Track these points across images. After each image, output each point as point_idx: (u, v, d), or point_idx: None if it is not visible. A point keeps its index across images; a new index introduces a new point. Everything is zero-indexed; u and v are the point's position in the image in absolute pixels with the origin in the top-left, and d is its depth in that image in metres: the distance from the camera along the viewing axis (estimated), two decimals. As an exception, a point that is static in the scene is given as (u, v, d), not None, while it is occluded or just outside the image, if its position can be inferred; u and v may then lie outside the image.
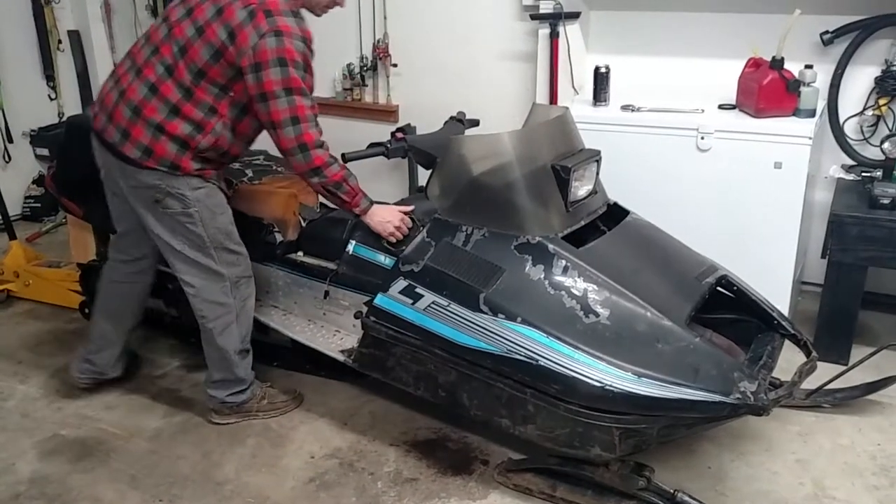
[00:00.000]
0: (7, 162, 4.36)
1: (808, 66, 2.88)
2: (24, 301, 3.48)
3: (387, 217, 2.35)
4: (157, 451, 2.46)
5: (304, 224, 2.74)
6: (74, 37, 4.53)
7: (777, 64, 2.86)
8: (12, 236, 3.60)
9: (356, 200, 2.33)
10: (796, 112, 2.86)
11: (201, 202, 2.32)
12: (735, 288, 2.29)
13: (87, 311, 3.27)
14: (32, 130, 4.40)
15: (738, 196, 2.86)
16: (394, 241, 2.36)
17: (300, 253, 2.71)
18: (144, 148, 2.24)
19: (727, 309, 2.32)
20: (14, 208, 4.23)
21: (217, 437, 2.51)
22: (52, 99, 4.55)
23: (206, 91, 2.21)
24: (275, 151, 3.09)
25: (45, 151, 4.31)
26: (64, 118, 4.46)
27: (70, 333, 3.22)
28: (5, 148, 4.35)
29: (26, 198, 4.52)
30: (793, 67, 2.88)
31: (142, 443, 2.50)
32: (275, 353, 2.85)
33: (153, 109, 2.23)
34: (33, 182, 4.52)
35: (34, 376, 2.90)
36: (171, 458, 2.42)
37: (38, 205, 4.49)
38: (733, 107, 3.04)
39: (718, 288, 2.27)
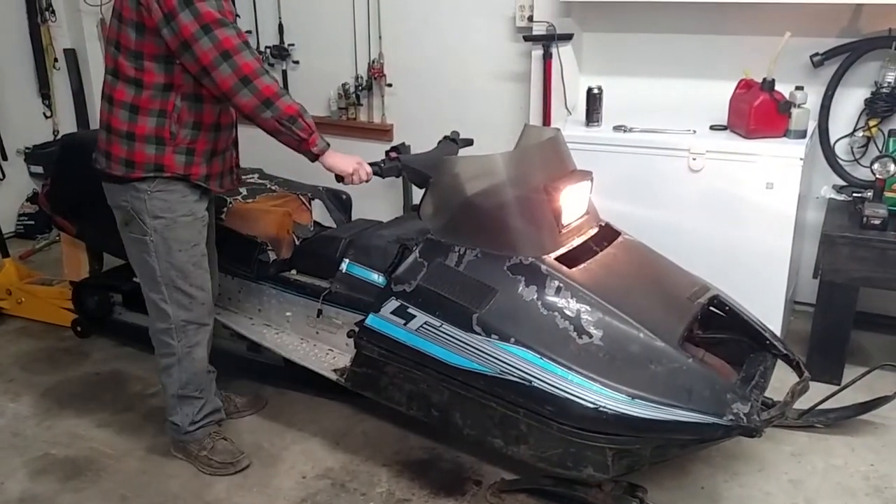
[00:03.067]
0: (1, 179, 4.36)
1: (799, 88, 2.91)
2: (17, 319, 3.46)
3: (346, 159, 2.22)
4: (147, 470, 2.44)
5: (297, 242, 2.75)
6: (70, 55, 4.54)
7: (768, 85, 2.89)
8: (5, 254, 3.59)
9: (313, 138, 2.12)
10: (787, 133, 2.89)
11: (159, 233, 2.21)
12: (727, 308, 2.30)
13: (79, 328, 3.27)
14: (27, 148, 4.44)
15: (729, 216, 2.88)
16: (356, 181, 2.24)
17: (294, 271, 2.71)
18: (125, 161, 2.17)
19: (719, 329, 2.33)
20: (7, 226, 4.23)
21: (209, 457, 2.50)
22: (47, 117, 4.55)
23: (153, 70, 2.09)
24: (270, 169, 3.16)
25: (39, 169, 4.34)
26: (59, 136, 4.47)
27: (62, 352, 3.20)
28: (0, 165, 4.34)
29: (20, 215, 4.50)
30: (784, 89, 2.91)
31: (132, 462, 2.48)
32: (267, 372, 2.84)
33: (117, 120, 2.15)
34: (27, 199, 4.52)
35: (25, 394, 2.88)
36: (162, 477, 2.40)
37: (32, 222, 4.47)
38: (725, 128, 3.07)
39: (711, 308, 2.28)
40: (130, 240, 2.27)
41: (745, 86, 3.02)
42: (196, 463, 2.44)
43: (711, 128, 3.08)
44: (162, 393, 2.48)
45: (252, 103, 2.04)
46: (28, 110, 4.48)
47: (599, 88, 3.12)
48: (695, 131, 3.01)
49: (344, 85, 3.93)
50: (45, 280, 3.54)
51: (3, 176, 4.37)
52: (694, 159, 2.89)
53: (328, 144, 2.19)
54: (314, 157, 2.18)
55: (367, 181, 2.28)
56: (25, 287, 3.46)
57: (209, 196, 2.34)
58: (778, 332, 2.65)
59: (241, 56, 2.01)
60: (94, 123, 4.47)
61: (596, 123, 3.14)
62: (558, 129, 2.49)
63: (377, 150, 2.80)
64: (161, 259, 2.24)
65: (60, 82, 4.57)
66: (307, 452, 2.52)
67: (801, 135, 2.88)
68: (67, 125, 4.59)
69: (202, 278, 2.32)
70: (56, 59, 4.50)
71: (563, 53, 3.27)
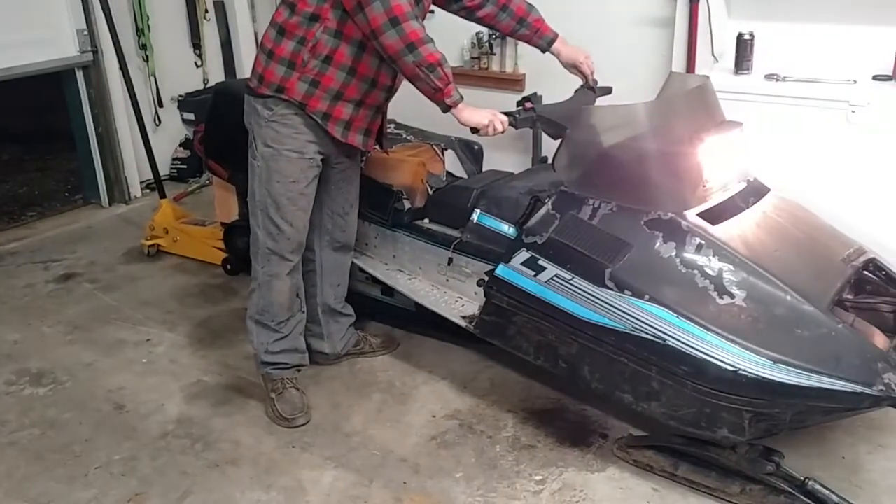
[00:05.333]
0: (157, 125, 4.64)
1: (981, 33, 2.62)
2: (172, 256, 3.74)
3: (480, 112, 2.21)
4: (290, 401, 2.61)
5: (431, 192, 2.80)
6: (219, 7, 4.76)
7: (945, 30, 2.62)
8: (162, 195, 3.86)
9: (449, 90, 2.15)
10: (963, 83, 2.62)
11: (265, 160, 2.32)
12: (884, 272, 2.16)
13: (229, 266, 3.49)
14: (180, 96, 4.73)
15: (891, 174, 2.66)
16: (491, 133, 2.23)
17: (426, 220, 2.77)
18: (259, 75, 2.28)
19: (874, 294, 2.18)
20: (162, 169, 4.50)
21: (346, 391, 2.65)
22: (197, 66, 4.81)
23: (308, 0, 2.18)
24: (403, 118, 3.22)
25: (191, 116, 4.62)
26: (209, 84, 4.73)
27: (214, 287, 3.44)
28: (156, 112, 4.64)
29: (174, 159, 4.80)
30: (962, 34, 2.62)
31: (276, 393, 2.65)
32: (399, 315, 2.93)
33: (267, 38, 2.28)
34: (180, 144, 4.80)
35: (181, 325, 3.13)
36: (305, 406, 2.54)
37: (185, 166, 4.76)
38: (890, 78, 2.81)
39: (865, 272, 2.14)
40: (249, 161, 2.40)
41: (917, 31, 2.74)
42: (265, 403, 2.55)
43: (874, 78, 2.83)
44: None
45: (397, 45, 2.07)
46: (181, 60, 4.75)
47: (751, 34, 2.93)
48: (855, 81, 2.78)
49: (477, 34, 3.89)
50: (197, 221, 3.78)
51: (160, 122, 4.66)
52: (853, 112, 2.68)
53: (462, 98, 2.19)
54: (446, 108, 2.20)
55: (502, 132, 2.28)
56: (180, 226, 3.72)
57: (337, 145, 2.36)
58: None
59: (408, 24, 2.05)
60: (241, 72, 4.70)
61: (746, 71, 2.95)
62: (707, 77, 2.37)
63: (508, 101, 2.77)
64: (261, 185, 2.35)
65: (210, 33, 4.81)
66: (436, 393, 2.61)
67: (980, 85, 2.60)
68: (216, 74, 4.84)
69: (294, 215, 2.37)
70: (206, 11, 4.73)
71: (712, -4, 3.08)
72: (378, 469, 2.28)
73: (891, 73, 2.82)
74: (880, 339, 2.05)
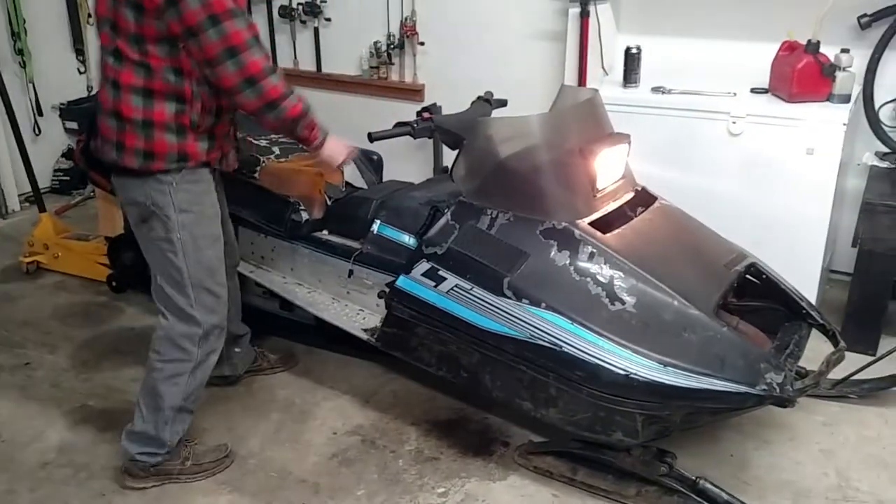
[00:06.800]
0: (37, 135, 4.40)
1: (845, 51, 2.81)
2: (53, 273, 3.54)
3: (338, 149, 2.19)
4: (182, 424, 2.49)
5: (329, 203, 2.76)
6: (103, 10, 4.54)
7: (812, 47, 2.81)
8: (42, 209, 3.64)
9: (314, 135, 2.07)
10: (830, 97, 2.81)
11: (186, 229, 2.04)
12: (763, 276, 2.27)
13: (114, 283, 3.33)
14: (62, 104, 4.47)
15: (768, 182, 2.82)
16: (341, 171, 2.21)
17: (325, 231, 2.72)
18: (144, 153, 1.97)
19: (755, 297, 2.30)
20: (43, 181, 4.26)
21: (242, 412, 2.55)
22: (80, 73, 4.57)
23: (158, 55, 1.90)
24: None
25: (73, 125, 4.38)
26: (93, 92, 4.50)
27: (98, 306, 3.27)
28: (35, 121, 4.38)
29: (55, 171, 4.56)
30: (829, 52, 2.82)
31: (168, 416, 2.53)
32: (299, 330, 2.87)
33: (128, 107, 1.94)
34: (62, 155, 4.56)
35: (63, 347, 2.96)
36: (198, 430, 2.44)
37: (67, 178, 4.53)
38: (766, 91, 2.99)
39: (747, 276, 2.25)
40: (150, 239, 2.09)
41: (789, 48, 2.93)
42: (181, 478, 2.23)
43: (752, 91, 3.00)
44: (145, 409, 2.17)
45: (255, 105, 1.94)
46: (63, 66, 4.50)
47: (638, 48, 3.05)
48: (735, 94, 2.94)
49: (376, 43, 3.88)
50: (80, 235, 3.60)
51: (39, 131, 4.41)
52: (734, 123, 2.83)
53: (327, 132, 2.14)
54: (313, 150, 2.16)
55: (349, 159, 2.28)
56: (62, 242, 3.53)
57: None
58: (814, 301, 2.61)
59: (248, 53, 1.88)
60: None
61: (634, 84, 3.07)
62: (596, 90, 2.44)
63: (408, 111, 2.78)
64: (189, 258, 2.07)
65: (94, 38, 4.57)
66: (338, 409, 2.56)
67: (845, 99, 2.80)
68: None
69: (223, 274, 2.19)
70: (89, 15, 4.49)
71: (601, 11, 3.19)
72: (276, 492, 2.20)
73: (767, 87, 3.00)
74: (762, 341, 2.16)
